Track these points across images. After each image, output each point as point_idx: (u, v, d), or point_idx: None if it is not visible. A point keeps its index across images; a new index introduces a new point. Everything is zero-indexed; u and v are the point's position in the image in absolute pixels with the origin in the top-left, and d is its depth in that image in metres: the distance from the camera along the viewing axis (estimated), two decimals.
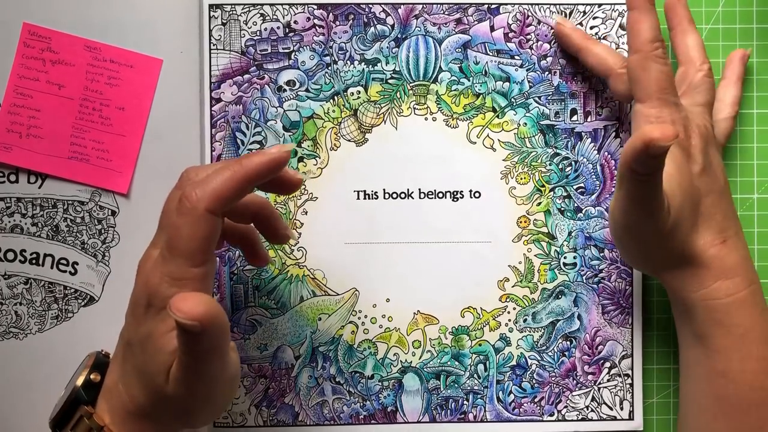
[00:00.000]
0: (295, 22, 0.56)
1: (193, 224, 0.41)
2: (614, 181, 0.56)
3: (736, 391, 0.48)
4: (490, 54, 0.56)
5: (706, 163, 0.49)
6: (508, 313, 0.56)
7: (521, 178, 0.56)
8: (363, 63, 0.56)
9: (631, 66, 0.49)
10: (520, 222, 0.56)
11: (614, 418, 0.57)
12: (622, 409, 0.57)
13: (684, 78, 0.53)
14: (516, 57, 0.56)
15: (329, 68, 0.56)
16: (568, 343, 0.56)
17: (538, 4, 0.56)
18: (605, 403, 0.57)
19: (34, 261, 0.56)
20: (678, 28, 0.54)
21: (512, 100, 0.56)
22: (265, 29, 0.56)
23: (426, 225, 0.56)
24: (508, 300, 0.56)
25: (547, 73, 0.56)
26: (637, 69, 0.49)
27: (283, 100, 0.56)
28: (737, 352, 0.48)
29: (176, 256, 0.41)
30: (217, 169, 0.43)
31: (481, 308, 0.56)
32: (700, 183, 0.49)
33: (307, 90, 0.56)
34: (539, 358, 0.56)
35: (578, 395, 0.56)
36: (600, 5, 0.55)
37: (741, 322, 0.48)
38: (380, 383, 0.56)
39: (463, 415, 0.56)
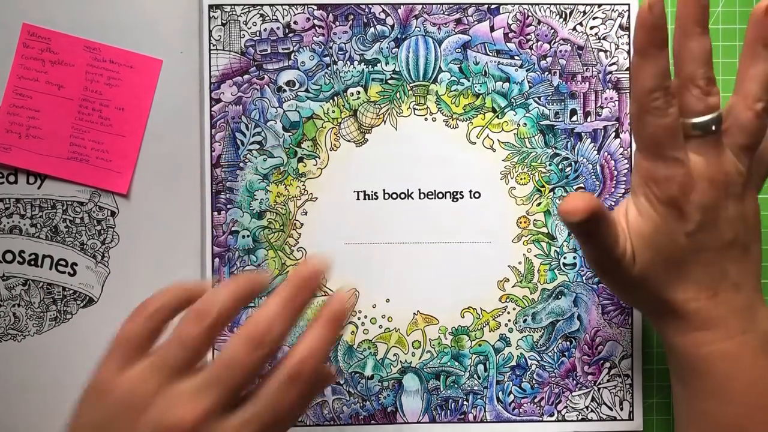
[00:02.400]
0: (295, 22, 0.56)
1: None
2: (614, 182, 0.56)
3: (718, 430, 0.46)
4: (490, 54, 0.56)
5: (706, 220, 0.44)
6: (508, 313, 0.56)
7: (521, 179, 0.56)
8: (363, 63, 0.56)
9: (631, 115, 0.46)
10: (520, 222, 0.56)
11: (614, 419, 0.57)
12: (622, 409, 0.57)
13: (730, 112, 0.45)
14: (516, 57, 0.56)
15: (329, 68, 0.56)
16: (568, 343, 0.56)
17: (538, 4, 0.56)
18: (605, 404, 0.57)
19: (32, 262, 0.56)
20: (748, 49, 0.45)
21: (512, 100, 0.56)
22: (265, 30, 0.56)
23: (426, 225, 0.56)
24: (508, 300, 0.56)
25: (547, 73, 0.56)
26: (634, 120, 0.45)
27: (283, 100, 0.56)
28: (717, 398, 0.46)
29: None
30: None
31: (480, 308, 0.56)
32: (690, 241, 0.45)
33: (306, 90, 0.56)
34: (539, 359, 0.56)
35: (578, 395, 0.56)
36: (600, 5, 0.56)
37: (722, 370, 0.45)
38: (380, 383, 0.56)
39: (462, 416, 0.56)
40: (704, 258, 0.45)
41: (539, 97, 0.56)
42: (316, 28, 0.56)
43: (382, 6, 0.56)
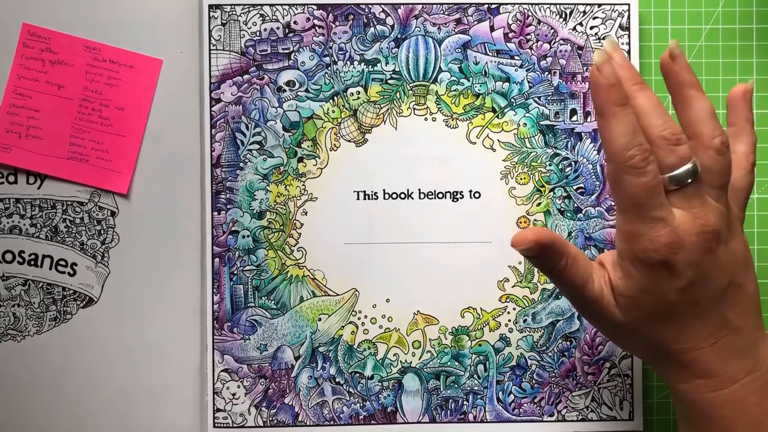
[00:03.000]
0: (295, 22, 0.56)
1: None
2: None
3: None
4: (490, 54, 0.56)
5: (697, 274, 0.43)
6: (508, 313, 0.56)
7: (521, 179, 0.56)
8: (363, 63, 0.56)
9: (607, 177, 0.44)
10: (520, 222, 0.56)
11: (614, 419, 0.57)
12: (622, 409, 0.57)
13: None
14: (516, 57, 0.56)
15: (329, 68, 0.56)
16: (568, 343, 0.56)
17: (538, 4, 0.56)
18: (605, 404, 0.57)
19: (32, 262, 0.56)
20: (677, 97, 0.45)
21: (512, 100, 0.56)
22: (265, 30, 0.56)
23: (426, 225, 0.56)
24: (508, 300, 0.56)
25: (546, 73, 0.56)
26: (611, 181, 0.43)
27: (283, 100, 0.56)
28: None
29: None
30: None
31: (481, 308, 0.56)
32: (684, 296, 0.43)
33: (306, 90, 0.56)
34: (539, 359, 0.56)
35: (578, 395, 0.56)
36: (600, 5, 0.56)
37: (728, 414, 0.44)
38: (380, 383, 0.56)
39: (463, 416, 0.56)
40: (700, 309, 0.43)
41: (539, 97, 0.56)
42: (316, 28, 0.56)
43: (382, 6, 0.56)
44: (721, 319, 0.44)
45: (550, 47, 0.56)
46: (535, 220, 0.56)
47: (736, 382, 0.43)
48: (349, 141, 0.56)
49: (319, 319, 0.56)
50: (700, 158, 0.43)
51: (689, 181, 0.42)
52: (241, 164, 0.56)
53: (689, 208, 0.42)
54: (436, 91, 0.56)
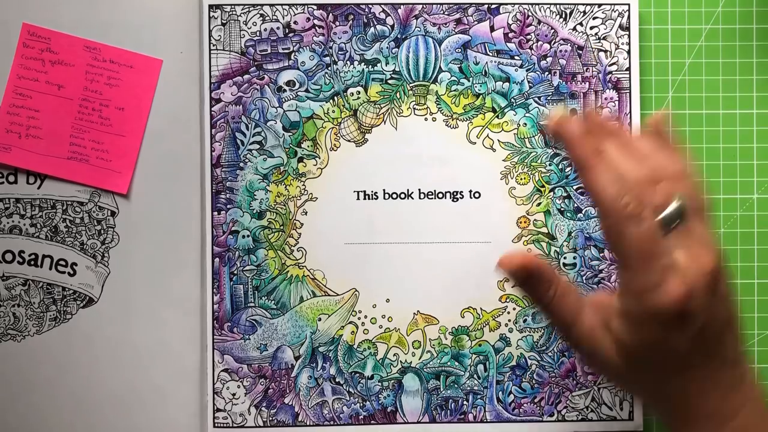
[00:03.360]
0: (295, 22, 0.56)
1: None
2: None
3: None
4: (490, 54, 0.56)
5: (707, 316, 0.40)
6: (508, 313, 0.56)
7: (521, 179, 0.56)
8: (363, 63, 0.56)
9: (605, 233, 0.41)
10: (520, 222, 0.56)
11: (614, 419, 0.57)
12: (621, 409, 0.57)
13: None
14: (516, 57, 0.56)
15: (329, 68, 0.56)
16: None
17: (538, 4, 0.56)
18: (605, 404, 0.56)
19: (32, 262, 0.56)
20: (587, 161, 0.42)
21: (512, 100, 0.56)
22: (265, 30, 0.56)
23: (426, 225, 0.56)
24: (508, 300, 0.56)
25: (547, 73, 0.56)
26: (610, 239, 0.40)
27: (283, 100, 0.56)
28: None
29: None
30: None
31: (481, 308, 0.56)
32: (694, 344, 0.41)
33: (306, 90, 0.56)
34: (539, 359, 0.56)
35: (578, 395, 0.56)
36: (600, 5, 0.56)
37: None
38: (380, 383, 0.56)
39: (462, 416, 0.56)
40: (707, 351, 0.41)
41: (539, 97, 0.56)
42: (316, 28, 0.56)
43: (382, 6, 0.56)
44: (722, 357, 0.42)
45: (550, 47, 0.56)
46: (535, 220, 0.56)
47: (736, 416, 0.42)
48: (349, 141, 0.56)
49: (319, 319, 0.56)
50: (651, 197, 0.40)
51: (677, 221, 0.40)
52: (241, 164, 0.56)
53: (687, 247, 0.40)
54: (436, 91, 0.56)
